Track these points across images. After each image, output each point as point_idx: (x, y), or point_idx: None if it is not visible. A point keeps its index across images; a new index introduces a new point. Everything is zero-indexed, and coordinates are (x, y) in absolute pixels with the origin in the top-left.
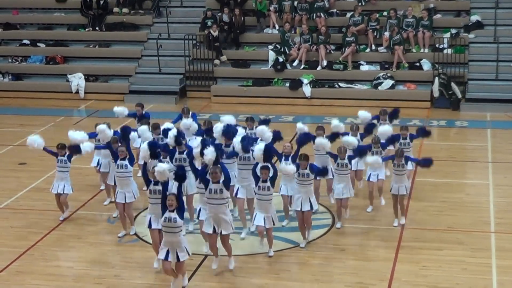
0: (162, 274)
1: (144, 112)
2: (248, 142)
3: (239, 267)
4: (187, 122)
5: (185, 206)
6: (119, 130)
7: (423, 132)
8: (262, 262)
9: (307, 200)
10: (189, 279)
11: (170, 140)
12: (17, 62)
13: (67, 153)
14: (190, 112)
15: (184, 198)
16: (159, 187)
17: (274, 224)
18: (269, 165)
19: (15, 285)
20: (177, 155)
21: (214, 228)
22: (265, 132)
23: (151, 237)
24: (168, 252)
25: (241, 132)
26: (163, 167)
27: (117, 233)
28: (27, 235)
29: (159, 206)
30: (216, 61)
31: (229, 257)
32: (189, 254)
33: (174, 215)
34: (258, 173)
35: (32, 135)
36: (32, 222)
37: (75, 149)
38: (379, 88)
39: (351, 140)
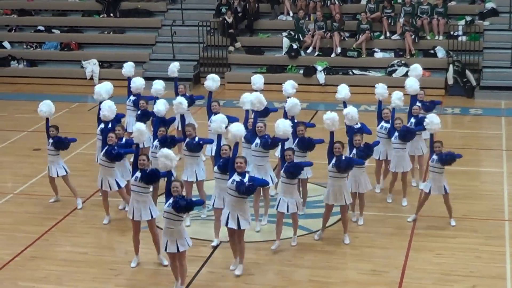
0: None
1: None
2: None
3: (252, 254)
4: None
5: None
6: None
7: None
8: (276, 249)
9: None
10: (202, 265)
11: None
12: (32, 48)
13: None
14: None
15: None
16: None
17: (298, 209)
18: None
19: (29, 271)
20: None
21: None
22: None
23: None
24: (167, 243)
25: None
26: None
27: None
28: (42, 220)
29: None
30: (231, 48)
31: (240, 261)
32: (189, 245)
33: None
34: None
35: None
36: (47, 208)
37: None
38: (393, 75)
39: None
